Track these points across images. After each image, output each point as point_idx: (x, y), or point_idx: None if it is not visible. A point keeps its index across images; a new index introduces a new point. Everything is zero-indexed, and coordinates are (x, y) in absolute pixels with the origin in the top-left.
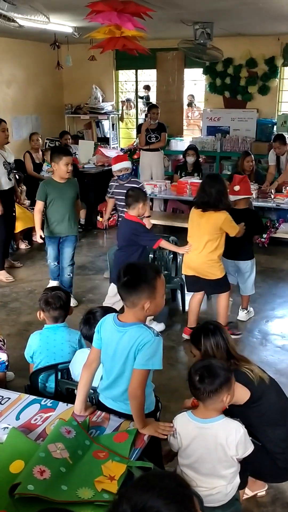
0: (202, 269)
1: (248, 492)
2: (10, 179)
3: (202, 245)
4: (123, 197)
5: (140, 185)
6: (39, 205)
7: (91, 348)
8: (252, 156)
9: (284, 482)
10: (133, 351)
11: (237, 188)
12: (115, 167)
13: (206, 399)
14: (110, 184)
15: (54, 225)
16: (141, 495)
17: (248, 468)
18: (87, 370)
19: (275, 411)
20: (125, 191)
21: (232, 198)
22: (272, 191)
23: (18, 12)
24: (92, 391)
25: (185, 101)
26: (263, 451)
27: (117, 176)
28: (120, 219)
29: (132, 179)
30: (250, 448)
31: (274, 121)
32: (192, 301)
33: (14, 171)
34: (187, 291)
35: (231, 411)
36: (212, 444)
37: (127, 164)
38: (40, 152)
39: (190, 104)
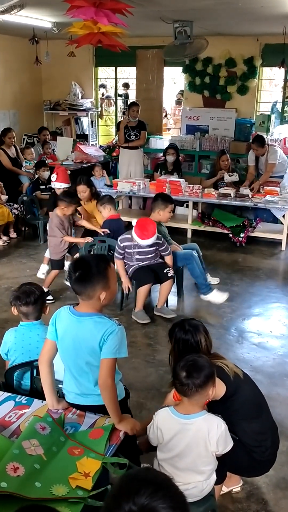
0: None
1: (223, 488)
2: None
3: None
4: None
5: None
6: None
7: (45, 340)
8: (228, 155)
9: (260, 475)
10: (98, 342)
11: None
12: (147, 241)
13: (194, 394)
14: (120, 246)
15: None
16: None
17: (227, 463)
18: (42, 363)
19: (250, 404)
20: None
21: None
22: (249, 192)
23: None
24: (60, 386)
25: (174, 99)
26: (240, 445)
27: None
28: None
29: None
30: (229, 445)
31: (252, 121)
32: None
33: None
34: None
35: (209, 407)
36: (194, 439)
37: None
38: (13, 147)
39: (179, 102)
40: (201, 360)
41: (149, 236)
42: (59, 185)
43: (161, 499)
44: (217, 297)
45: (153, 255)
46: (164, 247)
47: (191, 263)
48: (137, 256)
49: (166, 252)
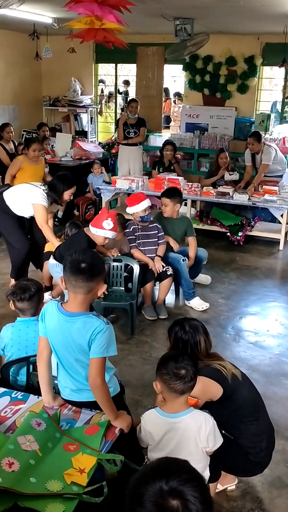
0: None
1: (218, 487)
2: None
3: None
4: (151, 240)
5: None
6: None
7: (39, 338)
8: (227, 153)
9: (254, 476)
10: (87, 341)
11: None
12: (139, 207)
13: (187, 391)
14: (130, 231)
15: None
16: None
17: (221, 461)
18: (41, 360)
19: (248, 406)
20: (151, 232)
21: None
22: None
23: None
24: (56, 382)
25: (171, 96)
26: (236, 445)
27: (140, 218)
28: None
29: (152, 220)
30: (219, 441)
31: (252, 119)
32: None
33: None
34: None
35: (206, 408)
36: (184, 437)
37: (148, 202)
38: (12, 143)
39: (175, 101)
40: (186, 357)
41: (138, 202)
42: (111, 235)
43: (192, 487)
44: (197, 304)
45: (156, 240)
46: (161, 234)
47: (178, 267)
48: (142, 241)
49: (162, 241)
